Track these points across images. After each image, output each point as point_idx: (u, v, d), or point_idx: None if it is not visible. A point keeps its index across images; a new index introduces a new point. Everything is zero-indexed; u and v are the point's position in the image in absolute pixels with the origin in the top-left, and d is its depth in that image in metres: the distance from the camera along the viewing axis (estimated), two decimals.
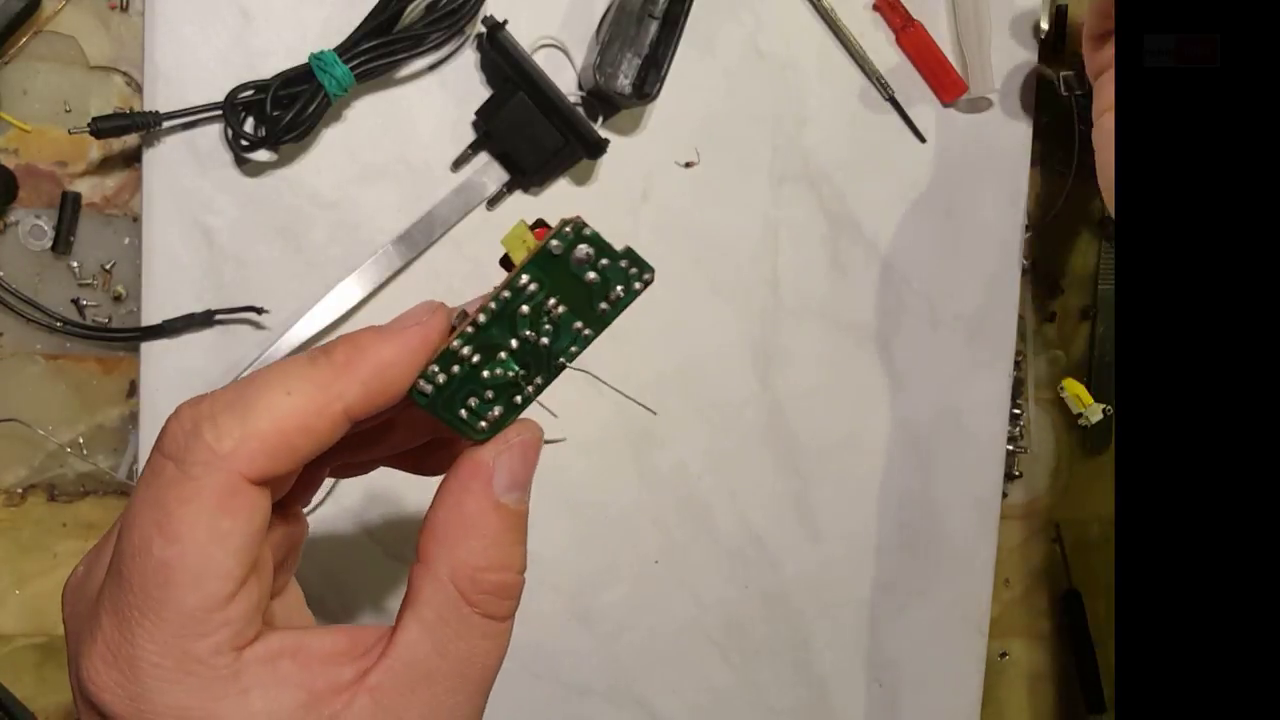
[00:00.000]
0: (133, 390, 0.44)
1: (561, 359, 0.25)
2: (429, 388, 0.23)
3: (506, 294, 0.24)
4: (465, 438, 0.24)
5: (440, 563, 0.23)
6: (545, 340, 0.24)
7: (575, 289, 0.24)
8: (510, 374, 0.24)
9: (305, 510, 0.29)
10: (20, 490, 0.44)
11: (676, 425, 0.50)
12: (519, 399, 0.24)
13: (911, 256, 0.52)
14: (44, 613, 0.44)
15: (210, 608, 0.21)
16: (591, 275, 0.24)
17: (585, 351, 0.25)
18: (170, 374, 0.43)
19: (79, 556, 0.26)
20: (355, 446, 0.27)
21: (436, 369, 0.23)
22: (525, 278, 0.24)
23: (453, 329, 0.24)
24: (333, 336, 0.44)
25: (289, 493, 0.26)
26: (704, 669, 0.52)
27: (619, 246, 0.25)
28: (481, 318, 0.24)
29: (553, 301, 0.24)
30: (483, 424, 0.24)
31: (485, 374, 0.24)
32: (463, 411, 0.24)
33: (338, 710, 0.22)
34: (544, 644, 0.49)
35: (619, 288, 0.25)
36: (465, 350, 0.24)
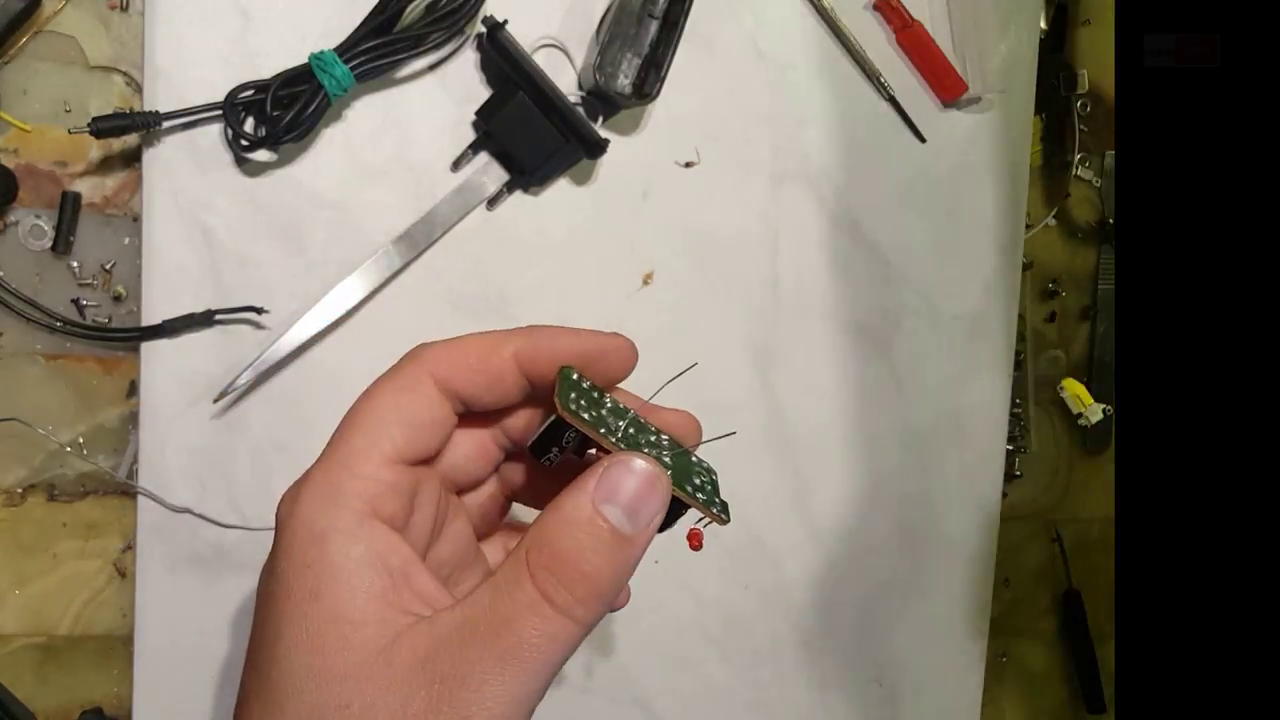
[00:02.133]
0: (133, 390, 0.44)
1: (646, 446, 0.28)
2: (573, 400, 0.27)
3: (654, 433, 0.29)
4: (556, 397, 0.27)
5: (526, 537, 0.25)
6: (649, 437, 0.28)
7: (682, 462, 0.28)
8: (611, 417, 0.28)
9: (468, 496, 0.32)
10: (20, 490, 0.44)
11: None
12: (600, 414, 0.27)
13: (911, 256, 0.52)
14: (44, 613, 0.44)
15: (368, 455, 0.26)
16: (698, 481, 0.28)
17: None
18: (170, 374, 0.43)
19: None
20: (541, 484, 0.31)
21: (582, 399, 0.27)
22: (665, 438, 0.29)
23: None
24: (333, 337, 0.44)
25: (481, 507, 0.31)
26: (704, 669, 0.52)
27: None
28: (619, 423, 0.28)
29: (665, 440, 0.29)
30: (571, 399, 0.27)
31: (603, 412, 0.28)
32: (571, 392, 0.27)
33: (402, 624, 0.24)
34: None
35: (700, 496, 0.28)
36: (608, 401, 0.28)
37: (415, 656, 0.24)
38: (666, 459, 0.27)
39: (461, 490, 0.31)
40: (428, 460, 0.28)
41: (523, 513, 0.33)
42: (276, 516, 0.26)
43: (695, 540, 0.28)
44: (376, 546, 0.25)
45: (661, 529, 0.27)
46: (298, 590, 0.24)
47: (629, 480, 0.25)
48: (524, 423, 0.30)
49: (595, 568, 0.25)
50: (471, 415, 0.29)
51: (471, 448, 0.30)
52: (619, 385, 0.30)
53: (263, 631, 0.25)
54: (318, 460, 0.26)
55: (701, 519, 0.28)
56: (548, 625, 0.24)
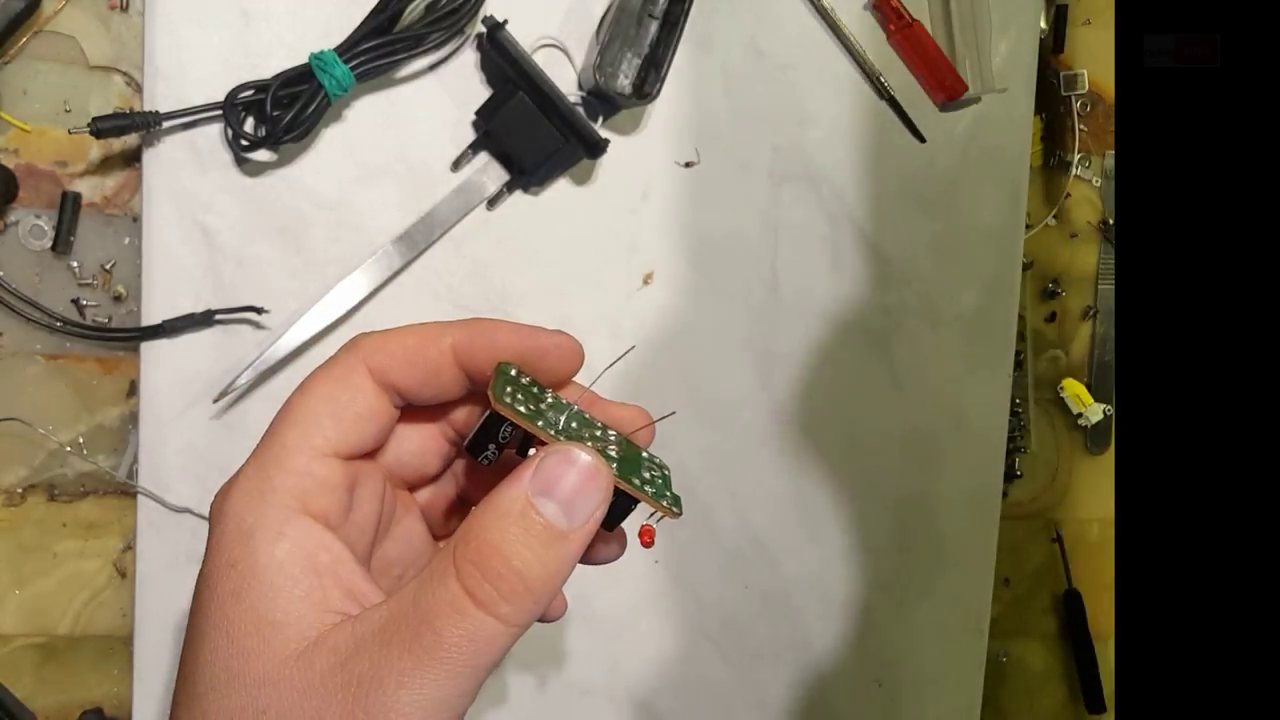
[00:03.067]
0: (133, 390, 0.44)
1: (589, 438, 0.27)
2: (508, 394, 0.25)
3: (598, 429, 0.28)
4: (490, 390, 0.25)
5: (457, 532, 0.24)
6: (589, 429, 0.27)
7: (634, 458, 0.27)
8: (550, 412, 0.26)
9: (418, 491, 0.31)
10: (20, 490, 0.44)
11: (676, 425, 0.50)
12: (539, 408, 0.26)
13: (911, 256, 0.52)
14: (44, 613, 0.44)
15: (299, 449, 0.25)
16: (647, 475, 0.27)
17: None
18: (170, 374, 0.43)
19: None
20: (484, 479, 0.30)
21: (519, 393, 0.26)
22: (612, 433, 0.28)
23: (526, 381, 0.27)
24: (333, 337, 0.44)
25: (409, 462, 0.29)
26: (704, 668, 0.52)
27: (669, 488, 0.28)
28: (559, 417, 0.27)
29: (613, 435, 0.28)
30: (505, 392, 0.25)
31: (541, 406, 0.26)
32: (507, 388, 0.26)
33: (328, 623, 0.23)
34: (544, 644, 0.49)
35: (649, 489, 0.27)
36: (549, 397, 0.27)
37: (336, 658, 0.22)
38: (611, 452, 0.26)
39: (413, 486, 0.30)
40: (368, 455, 0.27)
41: None
42: (210, 512, 0.25)
43: (646, 536, 0.27)
44: (304, 544, 0.24)
45: (608, 526, 0.25)
46: (221, 590, 0.24)
47: (568, 473, 0.24)
48: (467, 419, 0.29)
49: (525, 563, 0.23)
50: (416, 409, 0.28)
51: (417, 442, 0.29)
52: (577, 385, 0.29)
53: (190, 635, 0.24)
54: (251, 455, 0.25)
55: (652, 514, 0.26)
56: (469, 623, 0.22)
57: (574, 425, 0.26)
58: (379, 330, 0.27)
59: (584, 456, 0.24)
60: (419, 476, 0.30)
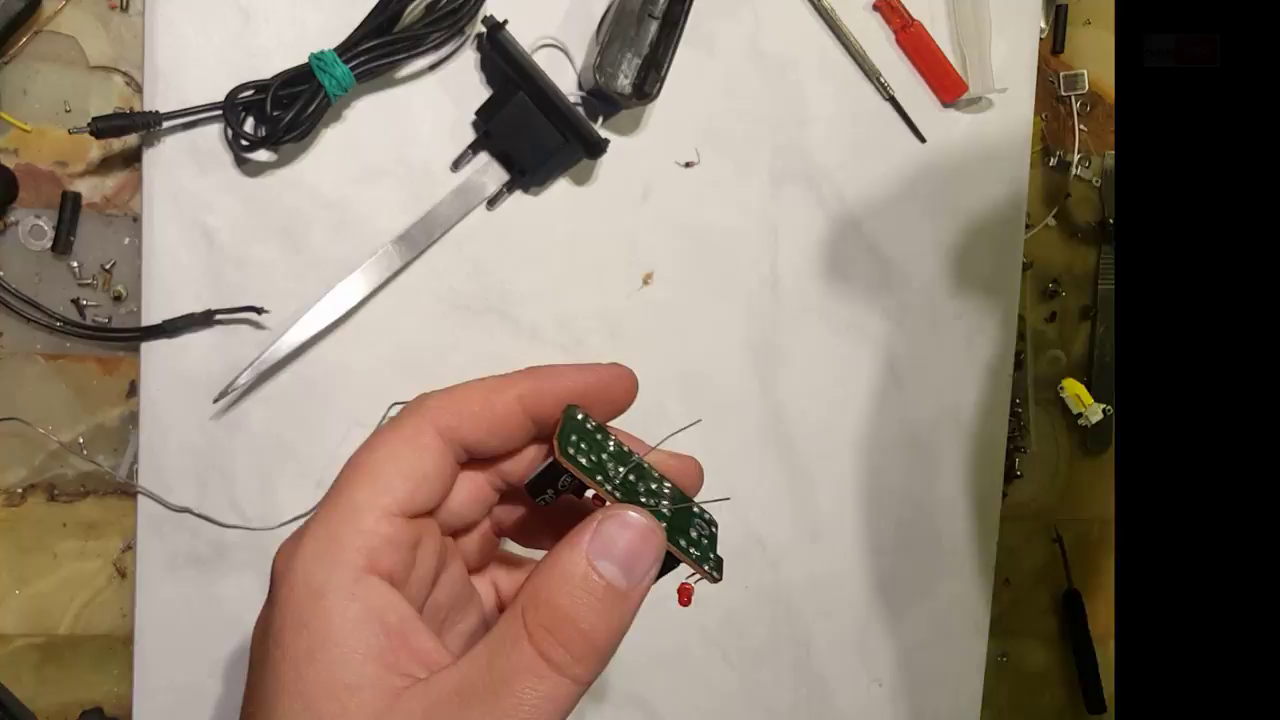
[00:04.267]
0: (133, 390, 0.44)
1: (643, 497, 0.27)
2: (572, 444, 0.27)
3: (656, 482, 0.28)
4: (555, 440, 0.26)
5: (523, 594, 0.25)
6: (647, 485, 0.28)
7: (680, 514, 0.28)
8: (611, 465, 0.27)
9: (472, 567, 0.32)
10: (20, 490, 0.44)
11: (676, 425, 0.50)
12: (600, 460, 0.27)
13: (911, 256, 0.52)
14: (44, 613, 0.44)
15: (369, 509, 0.25)
16: (694, 535, 0.28)
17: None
18: (170, 374, 0.43)
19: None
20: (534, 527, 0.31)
21: (583, 441, 0.27)
22: (667, 485, 0.29)
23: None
24: (333, 337, 0.44)
25: (477, 543, 0.31)
26: (704, 669, 0.52)
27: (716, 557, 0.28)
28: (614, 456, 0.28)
29: (667, 489, 0.28)
30: (570, 442, 0.26)
31: (603, 457, 0.27)
32: (572, 435, 0.27)
33: (399, 686, 0.24)
34: None
35: (694, 552, 0.27)
36: (611, 445, 0.28)
37: None
38: (665, 510, 0.27)
39: (456, 534, 0.30)
40: (430, 512, 0.28)
41: (513, 544, 0.33)
42: (273, 569, 0.26)
43: (685, 596, 0.28)
44: (374, 603, 0.24)
45: (657, 577, 0.26)
46: (294, 651, 0.24)
47: (623, 534, 0.25)
48: (522, 464, 0.29)
49: (592, 625, 0.24)
50: (471, 461, 0.29)
51: (468, 493, 0.29)
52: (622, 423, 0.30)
53: (258, 692, 0.25)
54: (316, 513, 0.26)
55: (693, 574, 0.27)
56: (545, 685, 0.23)
57: (631, 478, 0.27)
58: (443, 389, 0.28)
59: (638, 518, 0.25)
60: (465, 524, 0.30)
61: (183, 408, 0.43)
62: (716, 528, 0.29)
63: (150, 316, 0.43)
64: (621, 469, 0.27)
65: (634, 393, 0.30)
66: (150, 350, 0.43)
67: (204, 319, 0.43)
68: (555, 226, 0.47)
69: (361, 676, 0.24)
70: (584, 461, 0.26)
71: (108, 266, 0.44)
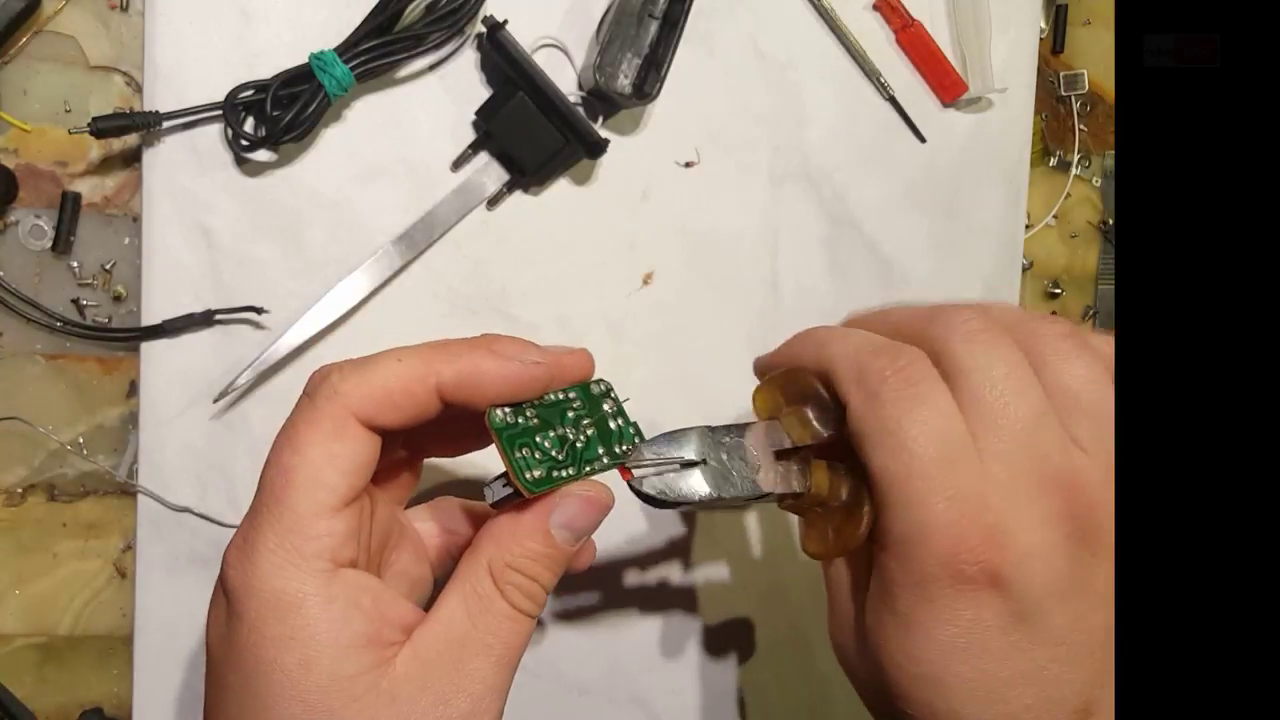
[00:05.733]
0: (133, 390, 0.44)
1: (586, 468, 0.30)
2: (501, 415, 0.29)
3: (560, 395, 0.31)
4: (516, 478, 0.28)
5: (485, 553, 0.28)
6: (579, 445, 0.30)
7: (604, 426, 0.31)
8: (554, 452, 0.29)
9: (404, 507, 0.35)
10: (20, 490, 0.44)
11: (677, 426, 0.50)
12: (556, 474, 0.29)
13: (911, 256, 0.52)
14: (44, 613, 0.44)
15: (318, 513, 0.26)
16: (613, 425, 0.31)
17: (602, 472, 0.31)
18: (170, 374, 0.43)
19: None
20: (441, 442, 0.34)
21: (511, 410, 0.29)
22: (572, 393, 0.31)
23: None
24: (333, 337, 0.44)
25: (393, 479, 0.33)
26: (704, 669, 0.52)
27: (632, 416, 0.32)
28: (547, 396, 0.30)
29: (586, 421, 0.31)
30: (530, 474, 0.28)
31: (539, 439, 0.29)
32: (518, 452, 0.28)
33: (388, 656, 0.26)
34: (544, 644, 0.49)
35: (621, 446, 0.31)
36: (529, 412, 0.29)
37: (412, 685, 0.26)
38: (604, 460, 0.30)
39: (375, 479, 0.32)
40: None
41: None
42: (228, 582, 0.26)
43: (624, 474, 0.31)
44: (349, 595, 0.26)
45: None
46: (286, 662, 0.25)
47: (575, 506, 0.29)
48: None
49: (549, 580, 0.29)
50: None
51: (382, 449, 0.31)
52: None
53: (251, 705, 0.25)
54: (258, 520, 0.27)
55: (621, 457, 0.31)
56: (521, 626, 0.28)
57: (576, 449, 0.30)
58: (350, 369, 0.28)
59: (590, 493, 0.30)
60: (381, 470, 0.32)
61: (183, 408, 0.43)
62: (622, 424, 0.32)
63: (150, 316, 0.43)
64: (565, 454, 0.30)
65: (555, 384, 0.31)
66: (150, 350, 0.43)
67: (204, 319, 0.43)
68: (555, 226, 0.47)
69: (358, 664, 0.26)
70: (541, 474, 0.29)
71: (108, 266, 0.44)
